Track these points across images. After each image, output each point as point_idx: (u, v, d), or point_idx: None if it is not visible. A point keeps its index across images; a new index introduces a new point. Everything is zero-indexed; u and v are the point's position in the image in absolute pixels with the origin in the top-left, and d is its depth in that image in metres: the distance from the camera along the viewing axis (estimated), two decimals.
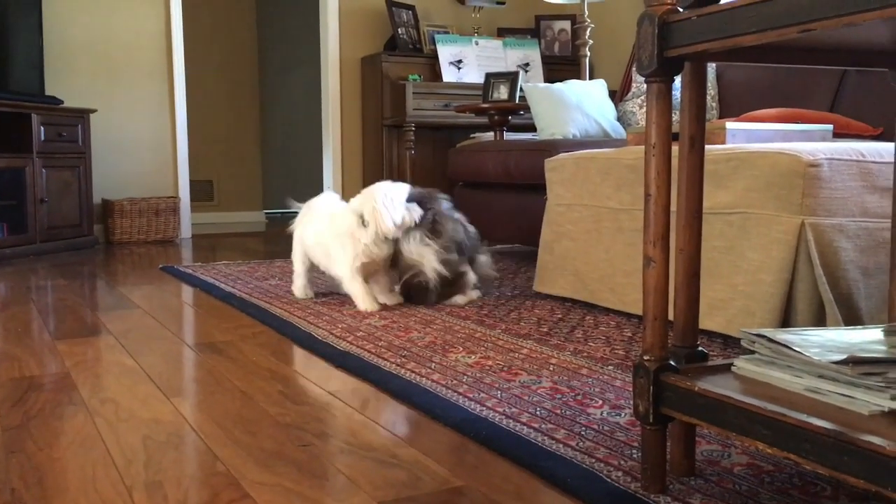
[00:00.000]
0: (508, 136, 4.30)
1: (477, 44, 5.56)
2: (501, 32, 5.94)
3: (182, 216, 5.26)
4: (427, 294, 2.59)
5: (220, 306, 2.74)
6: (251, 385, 1.74)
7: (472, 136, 4.67)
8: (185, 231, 5.35)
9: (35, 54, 4.55)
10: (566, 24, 5.97)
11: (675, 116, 1.29)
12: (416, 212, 2.51)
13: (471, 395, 1.60)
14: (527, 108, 4.07)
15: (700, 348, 1.18)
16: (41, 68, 4.58)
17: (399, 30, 5.49)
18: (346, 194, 3.11)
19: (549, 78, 5.43)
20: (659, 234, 1.10)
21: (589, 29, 4.62)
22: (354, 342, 2.10)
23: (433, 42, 5.49)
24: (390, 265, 2.63)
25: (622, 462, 1.24)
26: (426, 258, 2.51)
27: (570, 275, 2.61)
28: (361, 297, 2.54)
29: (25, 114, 4.28)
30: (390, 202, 2.47)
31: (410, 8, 5.62)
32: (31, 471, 1.27)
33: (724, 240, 2.00)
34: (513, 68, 5.49)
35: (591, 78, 4.60)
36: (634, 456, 1.26)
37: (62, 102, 4.61)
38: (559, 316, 2.44)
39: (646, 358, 1.11)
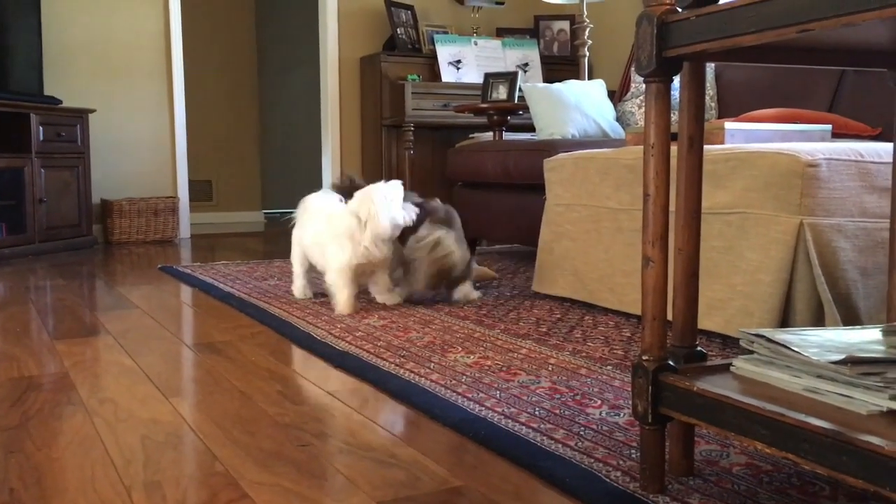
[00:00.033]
0: (507, 136, 4.30)
1: (476, 44, 5.56)
2: (500, 32, 5.94)
3: (181, 216, 5.26)
4: (455, 280, 2.64)
5: (218, 306, 2.73)
6: (250, 385, 1.74)
7: (471, 136, 4.67)
8: (184, 231, 5.35)
9: (34, 54, 4.55)
10: (565, 25, 5.97)
11: (674, 116, 1.29)
12: (412, 211, 2.52)
13: (470, 395, 1.60)
14: (526, 109, 4.07)
15: (699, 348, 1.18)
16: (40, 68, 4.57)
17: (398, 30, 5.49)
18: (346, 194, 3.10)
19: (548, 78, 5.43)
20: (658, 234, 1.10)
21: (588, 29, 4.62)
22: (353, 342, 2.10)
23: (432, 42, 5.49)
24: (394, 264, 2.63)
25: (621, 462, 1.24)
26: (447, 242, 2.57)
27: (569, 275, 2.61)
28: (344, 299, 2.51)
29: (24, 114, 4.28)
30: (388, 203, 2.47)
31: (409, 8, 5.62)
32: (30, 471, 1.27)
33: (723, 240, 2.00)
34: (512, 68, 5.49)
35: (590, 78, 4.60)
36: (633, 456, 1.26)
37: (61, 102, 4.61)
38: (558, 316, 2.44)
39: (644, 358, 1.11)
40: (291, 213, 2.86)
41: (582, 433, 1.37)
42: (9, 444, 1.38)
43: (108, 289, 3.16)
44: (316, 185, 5.96)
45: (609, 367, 1.82)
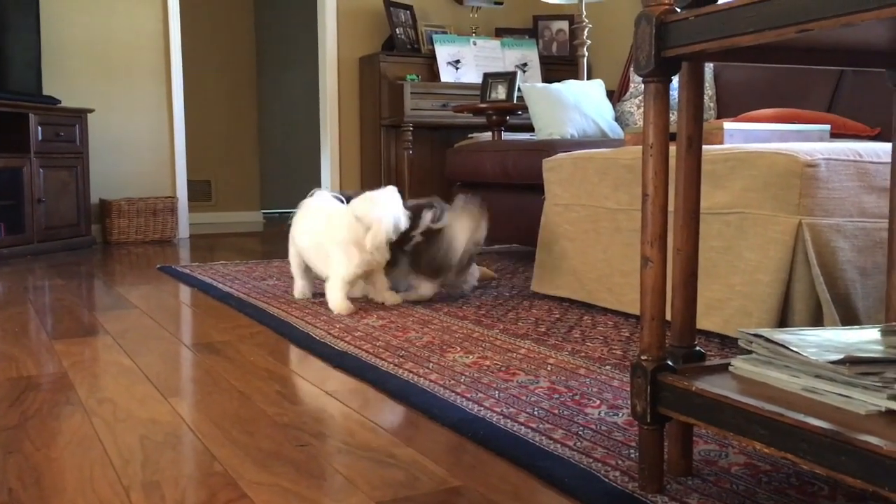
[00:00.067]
0: (506, 136, 4.30)
1: (475, 44, 5.56)
2: (499, 32, 5.94)
3: (180, 216, 5.26)
4: (454, 272, 2.66)
5: (217, 306, 2.73)
6: (249, 385, 1.74)
7: (469, 136, 4.67)
8: (183, 231, 5.35)
9: (33, 54, 4.54)
10: (564, 25, 5.97)
11: (673, 116, 1.29)
12: (407, 216, 2.56)
13: (468, 395, 1.60)
14: (525, 109, 4.07)
15: (697, 348, 1.18)
16: (39, 68, 4.57)
17: (397, 30, 5.49)
18: None
19: (547, 78, 5.43)
20: (656, 234, 1.10)
21: (587, 29, 4.62)
22: (352, 342, 2.10)
23: (431, 42, 5.49)
24: (391, 264, 2.64)
25: (620, 462, 1.24)
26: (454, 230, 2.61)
27: (568, 275, 2.61)
28: (339, 300, 2.53)
29: (23, 114, 4.28)
30: (392, 206, 2.48)
31: (408, 8, 5.62)
32: (29, 471, 1.26)
33: (722, 240, 2.00)
34: (511, 68, 5.49)
35: (588, 78, 4.60)
36: (632, 456, 1.26)
37: (60, 102, 4.61)
38: (557, 316, 2.44)
39: (643, 358, 1.12)
40: (291, 212, 2.86)
41: (581, 433, 1.37)
42: (7, 445, 1.38)
43: (107, 289, 3.16)
44: (315, 185, 5.98)
45: (608, 367, 1.82)
